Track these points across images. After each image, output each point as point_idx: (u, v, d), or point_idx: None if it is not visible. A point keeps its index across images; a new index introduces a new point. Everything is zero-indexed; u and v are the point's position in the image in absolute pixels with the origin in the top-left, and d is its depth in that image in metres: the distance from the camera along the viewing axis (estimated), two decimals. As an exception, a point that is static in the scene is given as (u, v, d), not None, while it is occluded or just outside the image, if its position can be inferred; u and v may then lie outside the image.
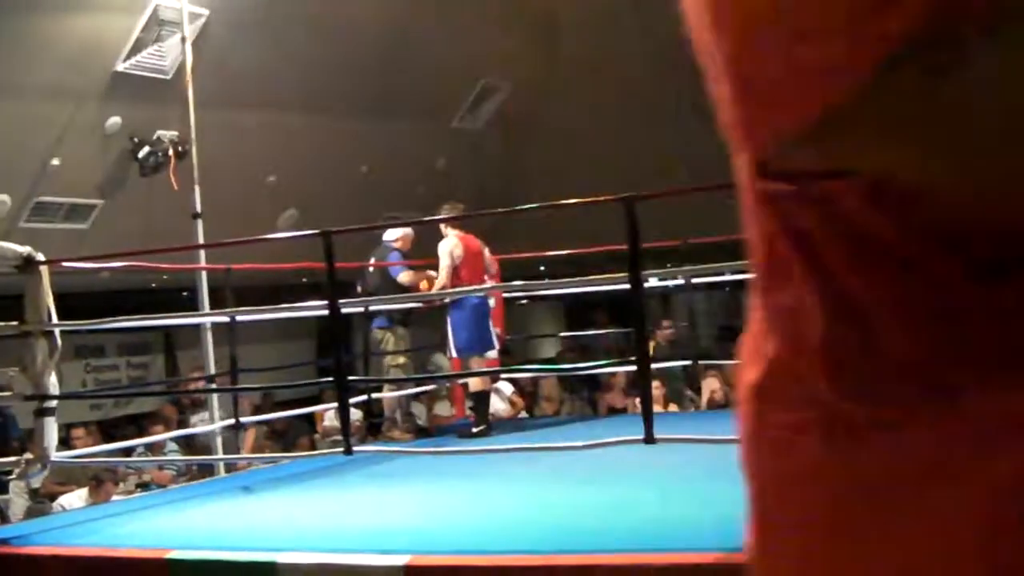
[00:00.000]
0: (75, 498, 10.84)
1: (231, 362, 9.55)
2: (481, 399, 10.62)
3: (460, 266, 10.41)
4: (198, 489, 8.92)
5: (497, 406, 12.42)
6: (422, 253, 11.60)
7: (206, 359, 10.73)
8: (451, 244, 10.46)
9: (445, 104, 16.72)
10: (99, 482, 10.74)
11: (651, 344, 13.69)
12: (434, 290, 10.61)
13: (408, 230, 11.02)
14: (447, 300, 10.67)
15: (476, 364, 10.51)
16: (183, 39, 11.60)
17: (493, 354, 10.85)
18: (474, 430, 10.41)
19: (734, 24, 1.08)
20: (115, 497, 10.91)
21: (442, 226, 10.63)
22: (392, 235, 11.00)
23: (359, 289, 11.28)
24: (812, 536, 1.12)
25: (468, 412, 11.64)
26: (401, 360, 10.81)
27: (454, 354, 10.59)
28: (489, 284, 10.34)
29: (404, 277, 10.76)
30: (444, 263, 10.45)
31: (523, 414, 13.46)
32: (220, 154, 12.57)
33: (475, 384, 10.61)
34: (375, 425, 11.58)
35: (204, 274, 10.89)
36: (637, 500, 6.54)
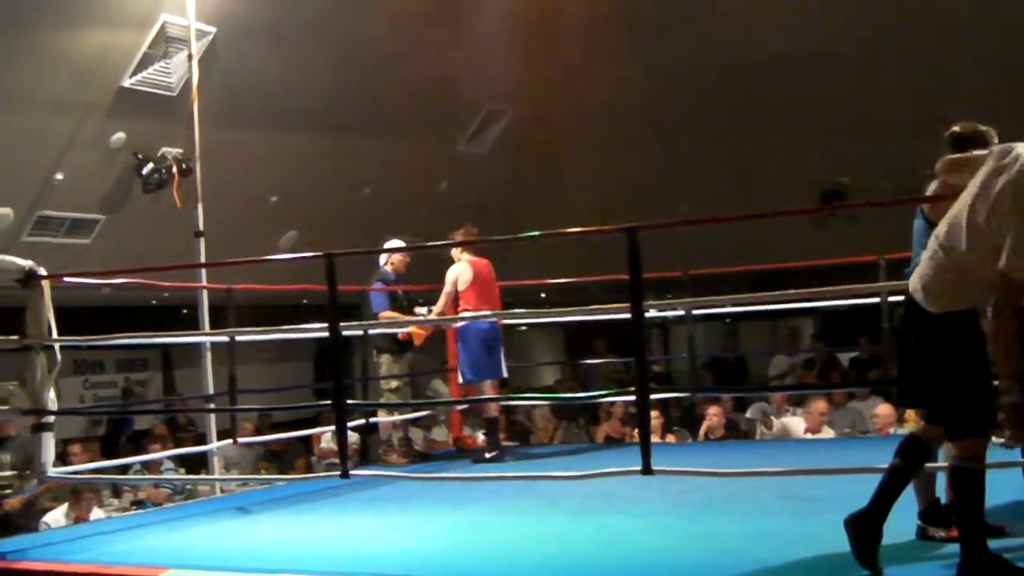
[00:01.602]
0: (59, 514, 10.83)
1: (230, 382, 9.53)
2: (493, 425, 10.62)
3: (466, 292, 10.38)
4: (194, 508, 8.91)
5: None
6: (425, 278, 11.59)
7: (205, 378, 10.71)
8: (458, 271, 10.46)
9: (449, 127, 16.73)
10: (77, 495, 10.72)
11: None
12: (431, 317, 10.60)
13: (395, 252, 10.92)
14: (455, 326, 10.68)
15: (487, 390, 10.49)
16: (190, 56, 11.61)
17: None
18: (487, 455, 10.41)
19: None
20: (111, 514, 10.90)
21: (454, 251, 10.63)
22: (383, 258, 10.97)
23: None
24: None
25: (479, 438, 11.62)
26: (393, 385, 10.78)
27: (461, 379, 10.58)
28: (488, 311, 10.30)
29: (385, 315, 10.68)
30: (445, 289, 10.46)
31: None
32: (224, 173, 12.55)
33: (490, 410, 10.60)
34: (367, 450, 11.56)
35: (205, 293, 10.88)
36: (631, 531, 6.54)
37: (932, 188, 5.73)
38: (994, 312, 4.79)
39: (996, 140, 5.66)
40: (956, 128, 5.74)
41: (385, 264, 10.94)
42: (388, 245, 10.87)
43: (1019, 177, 4.69)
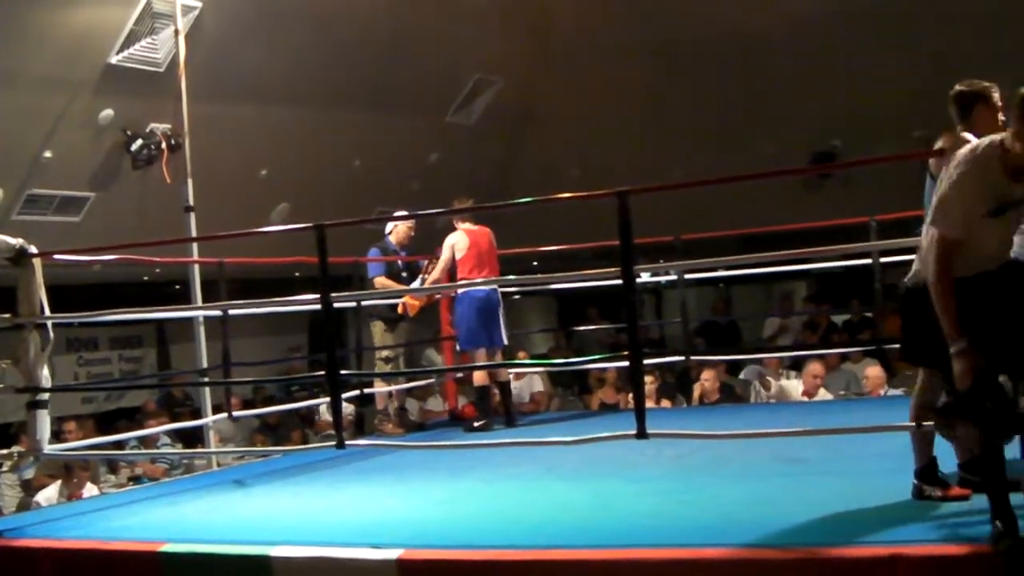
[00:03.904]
0: (52, 491, 10.86)
1: (223, 355, 9.53)
2: (482, 394, 10.65)
3: (463, 260, 10.39)
4: (191, 483, 8.92)
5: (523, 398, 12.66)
6: (421, 248, 11.59)
7: (198, 352, 10.71)
8: (454, 239, 10.48)
9: (438, 99, 16.68)
10: (69, 471, 10.75)
11: None
12: (427, 284, 10.61)
13: (400, 223, 10.95)
14: (454, 294, 10.71)
15: (480, 358, 10.49)
16: (176, 32, 11.57)
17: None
18: (475, 424, 10.46)
19: None
20: (108, 490, 10.91)
21: (455, 220, 10.65)
22: (388, 227, 11.03)
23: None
24: None
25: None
26: (385, 354, 10.79)
27: (459, 347, 10.59)
28: (481, 279, 10.30)
29: (378, 282, 10.72)
30: (444, 256, 10.48)
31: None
32: (213, 147, 12.54)
33: (476, 379, 10.62)
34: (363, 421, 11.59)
35: (197, 267, 10.86)
36: (627, 495, 6.56)
37: (939, 144, 5.74)
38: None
39: (997, 94, 5.68)
40: (959, 86, 5.75)
41: (389, 234, 10.98)
42: (391, 223, 11.00)
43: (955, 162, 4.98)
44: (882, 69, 15.05)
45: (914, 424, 5.45)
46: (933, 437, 5.66)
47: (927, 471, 5.61)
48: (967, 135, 5.52)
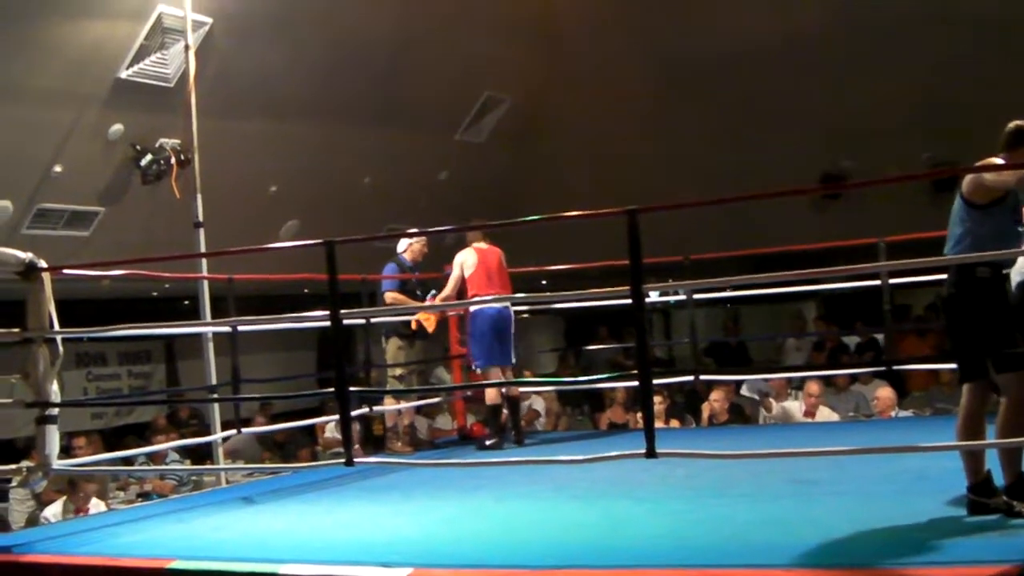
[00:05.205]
0: (58, 507, 10.85)
1: (233, 372, 9.52)
2: (495, 412, 10.65)
3: (473, 277, 10.40)
4: (199, 499, 8.91)
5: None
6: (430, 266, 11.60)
7: (207, 369, 10.71)
8: (463, 257, 10.52)
9: (448, 116, 16.70)
10: (74, 485, 10.74)
11: None
12: (437, 300, 10.61)
13: (415, 240, 10.96)
14: (463, 311, 10.70)
15: (494, 376, 10.51)
16: (186, 47, 11.61)
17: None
18: (487, 443, 10.45)
19: None
20: (117, 507, 10.91)
21: (468, 239, 10.69)
22: (401, 245, 11.03)
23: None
24: None
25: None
26: (398, 372, 10.77)
27: (474, 365, 10.59)
28: (490, 296, 10.30)
29: (389, 297, 10.73)
30: (454, 274, 10.50)
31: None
32: (222, 163, 12.54)
33: (489, 397, 10.62)
34: (376, 438, 11.59)
35: (206, 283, 10.87)
36: (638, 516, 6.54)
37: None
38: None
39: None
40: (1017, 123, 5.78)
41: (403, 251, 10.98)
42: (403, 240, 11.01)
43: None
44: (892, 90, 15.05)
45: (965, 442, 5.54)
46: (1021, 453, 5.61)
47: (1017, 486, 5.56)
48: (996, 160, 5.58)
